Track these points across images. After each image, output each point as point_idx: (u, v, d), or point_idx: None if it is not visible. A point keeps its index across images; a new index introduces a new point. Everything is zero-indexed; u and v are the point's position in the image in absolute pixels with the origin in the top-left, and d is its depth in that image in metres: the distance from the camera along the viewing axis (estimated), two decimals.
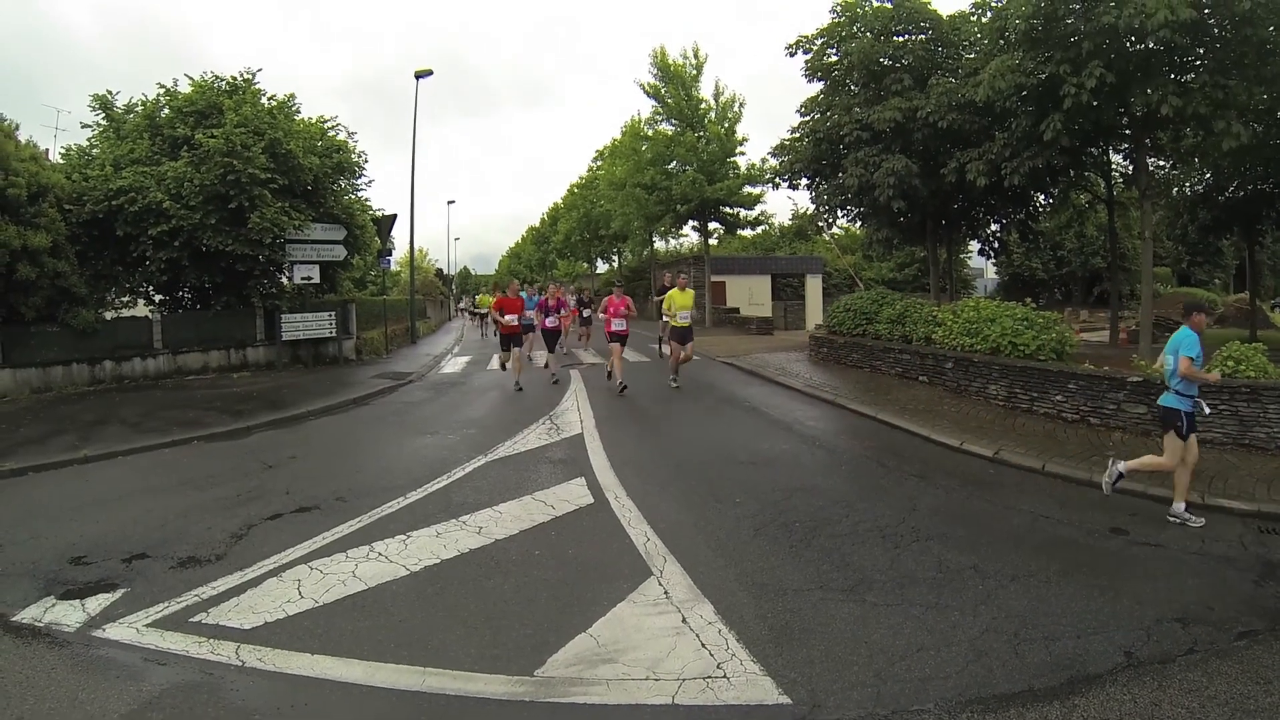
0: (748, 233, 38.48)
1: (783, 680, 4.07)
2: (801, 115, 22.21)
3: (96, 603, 5.12)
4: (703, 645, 4.45)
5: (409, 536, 6.33)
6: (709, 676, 4.12)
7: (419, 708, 3.91)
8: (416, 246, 32.01)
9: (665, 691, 3.98)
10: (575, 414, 11.72)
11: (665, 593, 5.18)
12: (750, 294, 38.75)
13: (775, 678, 4.10)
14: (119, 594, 5.27)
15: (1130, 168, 18.15)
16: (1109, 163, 18.80)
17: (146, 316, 17.25)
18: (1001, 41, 15.51)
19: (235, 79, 18.08)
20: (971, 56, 18.90)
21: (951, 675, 4.09)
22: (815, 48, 21.13)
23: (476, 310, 37.19)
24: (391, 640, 4.55)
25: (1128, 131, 15.86)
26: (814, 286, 40.72)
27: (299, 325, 18.19)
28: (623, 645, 4.48)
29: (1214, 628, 4.62)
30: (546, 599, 5.13)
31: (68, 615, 4.94)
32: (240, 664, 4.29)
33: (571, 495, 7.53)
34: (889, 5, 19.69)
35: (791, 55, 21.60)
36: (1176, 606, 4.90)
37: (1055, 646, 4.38)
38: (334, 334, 18.99)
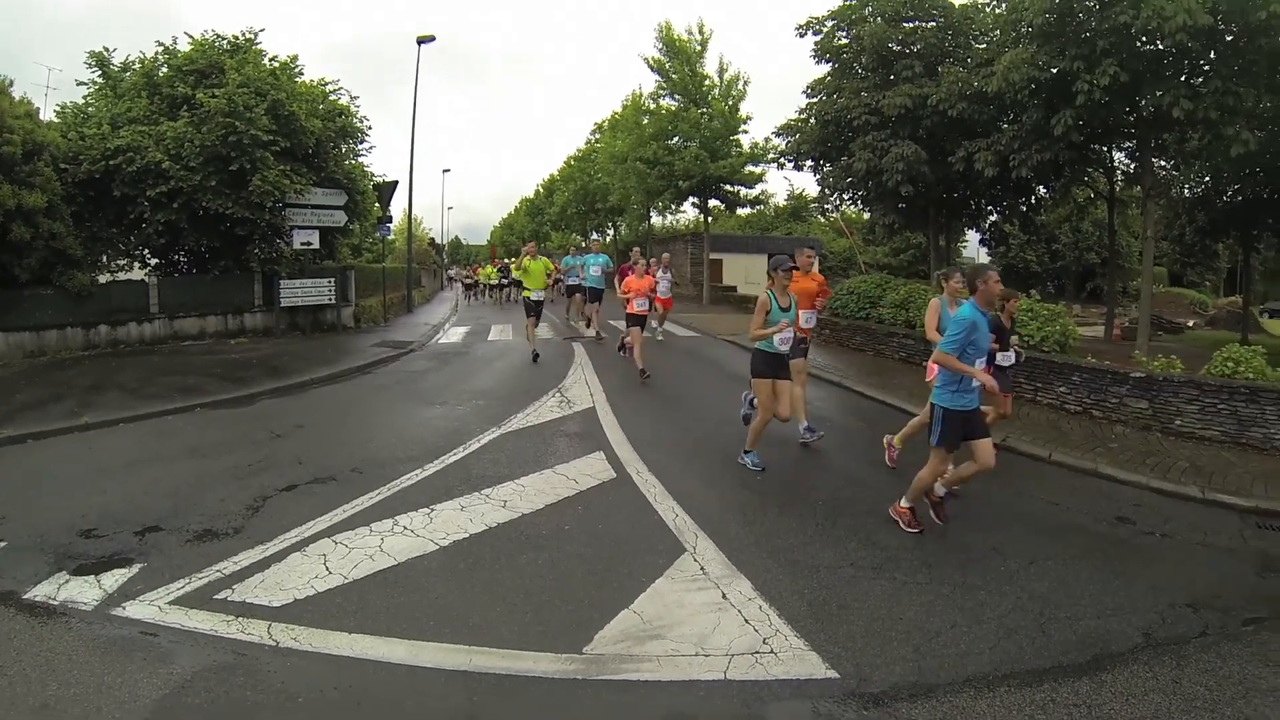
0: (744, 211, 38.17)
1: (828, 655, 4.10)
2: (808, 96, 21.98)
3: (112, 579, 4.89)
4: (746, 621, 4.46)
5: (433, 510, 6.16)
6: (756, 652, 4.13)
7: (468, 687, 3.77)
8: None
9: (716, 667, 3.98)
10: (584, 387, 11.55)
11: (701, 569, 5.16)
12: (746, 273, 38.51)
13: (820, 652, 4.12)
14: (135, 569, 5.04)
15: (1133, 166, 18.16)
16: (1112, 160, 18.75)
17: (143, 280, 16.90)
18: (1014, 34, 15.44)
19: (237, 38, 17.61)
20: (982, 47, 18.82)
21: (985, 651, 4.18)
22: (825, 30, 20.90)
23: (502, 281, 32.38)
24: (430, 618, 4.40)
25: (1134, 130, 15.84)
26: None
27: (298, 291, 17.88)
28: (667, 621, 4.44)
29: (1222, 613, 4.77)
30: (584, 575, 5.05)
31: (83, 592, 4.71)
32: (274, 644, 4.10)
33: (593, 469, 7.40)
34: None
35: (801, 36, 21.37)
36: (1186, 593, 5.05)
37: (1079, 626, 4.50)
38: (333, 301, 18.70)
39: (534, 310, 14.90)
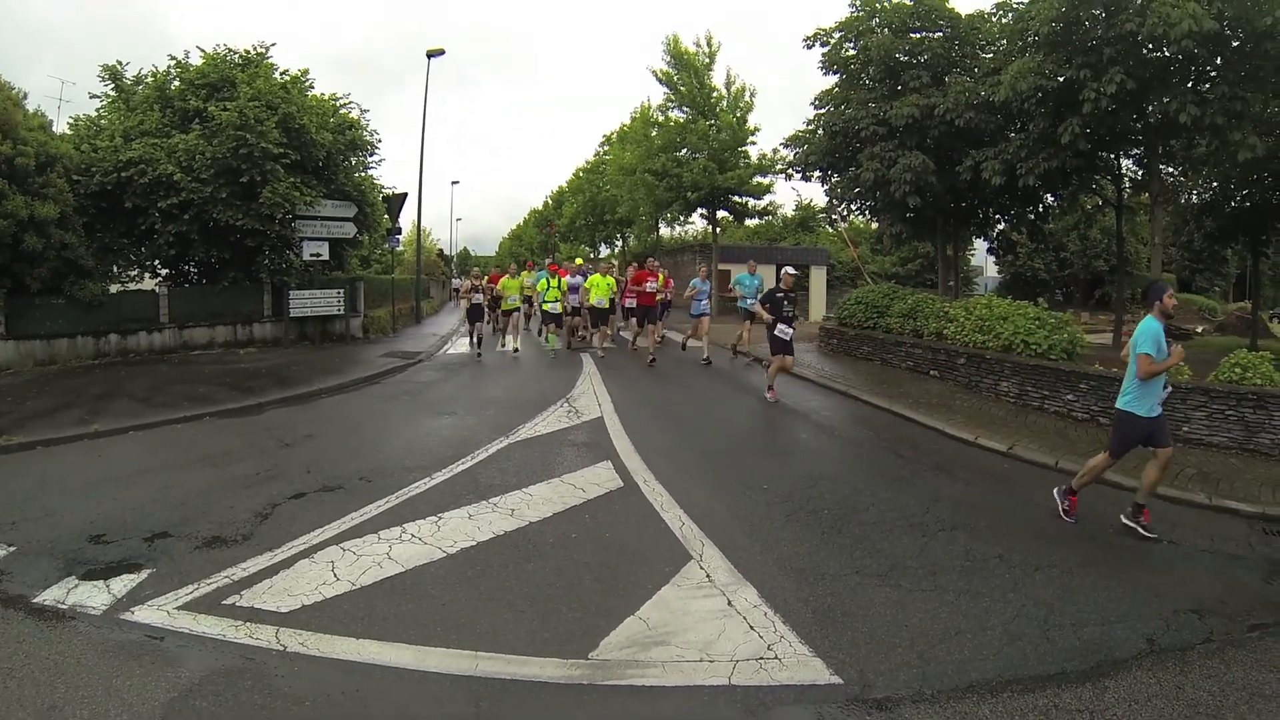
0: (752, 222, 38.19)
1: (832, 661, 4.12)
2: (816, 107, 22.04)
3: (121, 584, 4.92)
4: (751, 627, 4.48)
5: (440, 518, 6.18)
6: (761, 658, 4.16)
7: (474, 692, 3.79)
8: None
9: (720, 673, 4.00)
10: (592, 398, 11.57)
11: (707, 576, 5.18)
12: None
13: (825, 659, 4.14)
14: (144, 575, 5.07)
15: (1141, 173, 18.15)
16: (1120, 167, 18.74)
17: (153, 290, 17.04)
18: (1021, 43, 15.47)
19: (249, 52, 17.84)
20: (989, 56, 18.87)
21: (989, 657, 4.20)
22: (833, 41, 20.94)
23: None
24: (437, 624, 4.42)
25: (1141, 137, 15.83)
26: (818, 278, 40.22)
27: (307, 302, 18.01)
28: (673, 628, 4.45)
29: (1227, 620, 4.76)
30: (590, 582, 5.07)
31: (92, 597, 4.74)
32: (282, 649, 4.12)
33: (600, 479, 7.41)
34: (908, 2, 19.50)
35: (809, 48, 21.41)
36: (1192, 599, 5.04)
37: (1083, 632, 4.51)
38: (342, 312, 18.84)
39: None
